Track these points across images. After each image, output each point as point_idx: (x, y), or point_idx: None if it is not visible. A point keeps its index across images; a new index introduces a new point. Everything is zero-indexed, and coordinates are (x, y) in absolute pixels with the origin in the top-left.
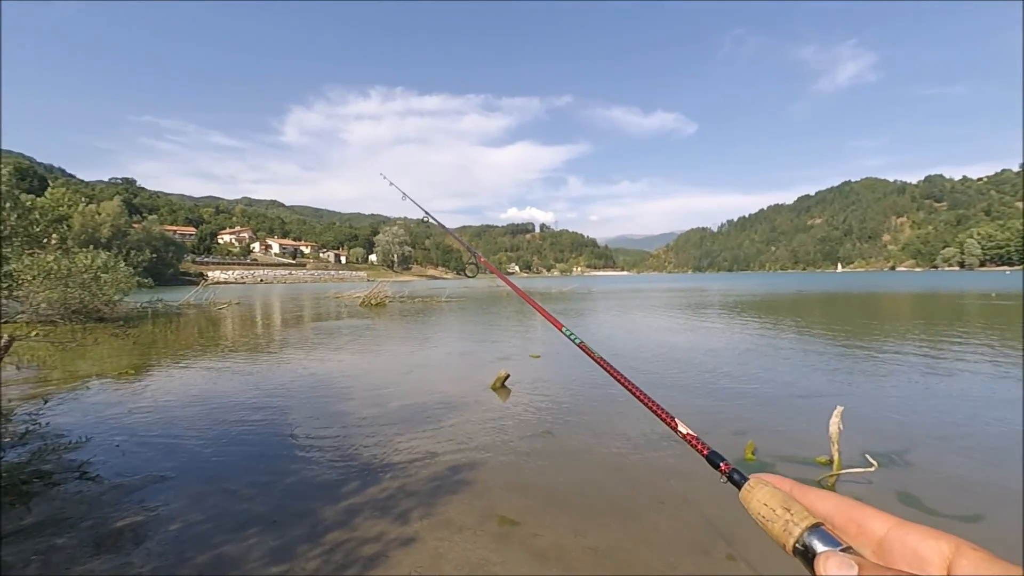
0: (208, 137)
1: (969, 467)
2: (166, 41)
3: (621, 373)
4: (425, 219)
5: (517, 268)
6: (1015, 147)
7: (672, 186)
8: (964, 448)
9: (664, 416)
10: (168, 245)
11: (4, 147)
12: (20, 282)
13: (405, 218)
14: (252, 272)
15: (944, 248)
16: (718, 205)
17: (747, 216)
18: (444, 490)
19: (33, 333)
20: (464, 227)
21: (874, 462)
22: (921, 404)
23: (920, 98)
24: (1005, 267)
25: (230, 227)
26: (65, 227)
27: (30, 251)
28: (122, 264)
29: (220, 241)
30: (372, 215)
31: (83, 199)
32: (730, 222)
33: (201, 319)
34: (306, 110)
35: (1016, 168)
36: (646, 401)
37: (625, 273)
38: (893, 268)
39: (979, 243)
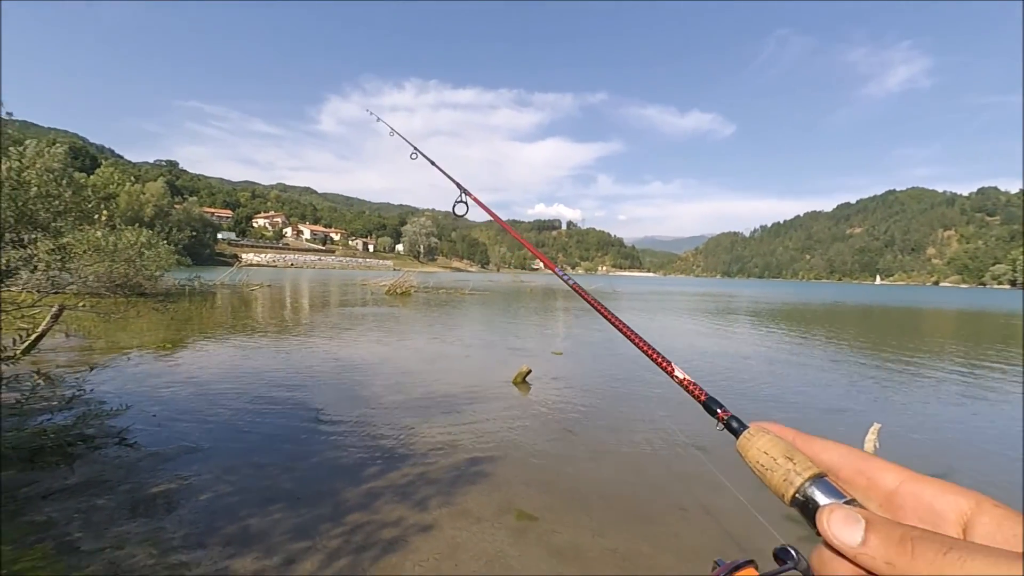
0: (250, 124)
1: (1007, 496)
2: (216, 33)
3: (617, 317)
4: (414, 156)
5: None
6: None
7: (705, 188)
8: (1003, 477)
9: (661, 361)
10: (207, 226)
11: (61, 127)
12: (72, 255)
13: (433, 210)
14: (283, 256)
15: (994, 264)
16: (752, 210)
17: (782, 222)
18: (463, 481)
19: (80, 304)
20: (490, 222)
21: None
22: (959, 427)
23: (977, 107)
24: None
25: (265, 211)
26: (113, 205)
27: (81, 226)
28: (163, 242)
29: (255, 224)
30: (401, 205)
31: (130, 179)
32: (763, 228)
33: (234, 299)
34: (343, 100)
35: None
36: (641, 344)
37: (651, 275)
38: (937, 283)
39: None
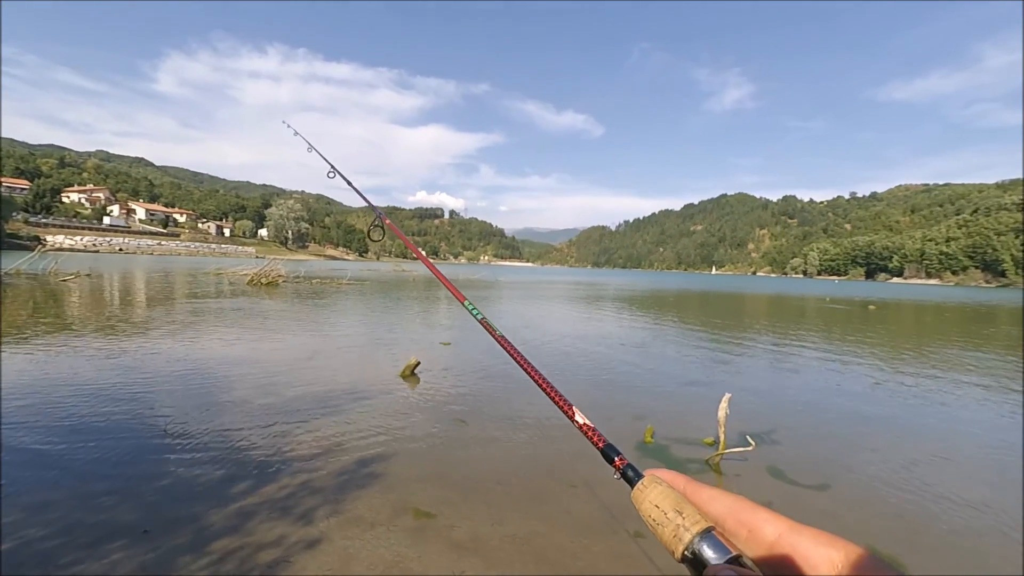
0: (54, 73)
1: (823, 445)
2: None
3: (522, 355)
4: (330, 174)
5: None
6: (852, 176)
7: (579, 184)
8: (820, 429)
9: (562, 404)
10: None
11: None
12: None
13: (303, 192)
14: (108, 239)
15: (792, 258)
16: (617, 206)
17: (641, 218)
18: (353, 485)
19: None
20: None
21: (752, 442)
22: (786, 391)
23: (787, 128)
24: (835, 276)
25: (80, 184)
26: None
27: None
28: None
29: (65, 200)
30: (264, 185)
31: None
32: (627, 222)
33: (38, 292)
34: (188, 58)
35: (847, 195)
36: (545, 387)
37: (530, 265)
38: (755, 272)
39: (818, 256)
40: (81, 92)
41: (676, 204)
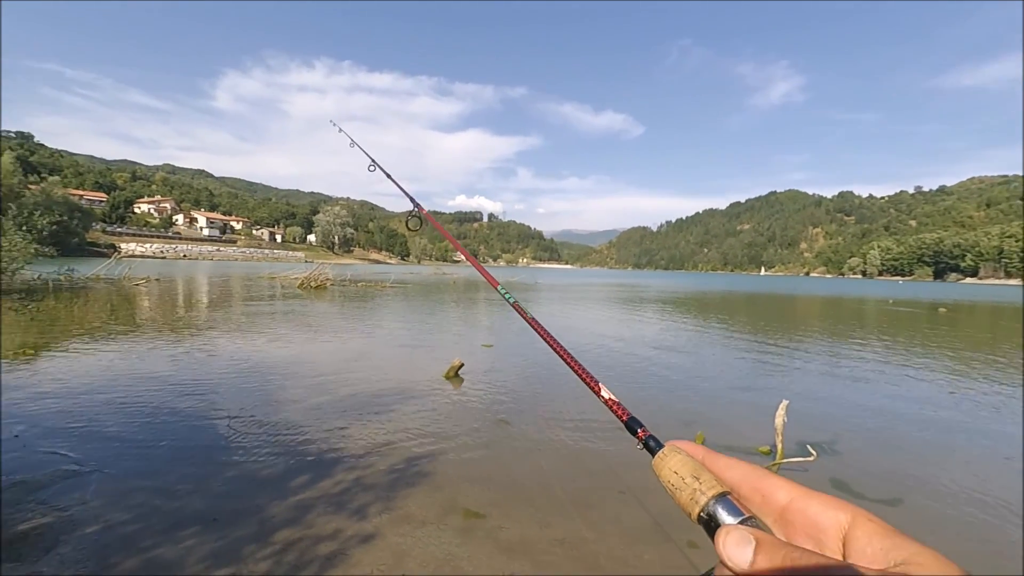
0: (127, 95)
1: (890, 457)
2: None
3: (552, 335)
4: (371, 167)
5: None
6: (913, 171)
7: (617, 185)
8: (886, 440)
9: (588, 380)
10: (73, 211)
11: None
12: None
13: (348, 198)
14: (174, 247)
15: (850, 258)
16: (658, 206)
17: (684, 218)
18: (403, 483)
19: None
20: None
21: (813, 452)
22: (846, 399)
23: (837, 122)
24: (898, 277)
25: (149, 196)
26: None
27: None
28: (13, 231)
29: (137, 210)
30: (312, 193)
31: None
32: (668, 223)
33: (114, 295)
34: (243, 76)
35: (911, 190)
36: (572, 364)
37: (569, 267)
38: (807, 273)
39: (879, 255)
40: (149, 111)
41: (720, 203)
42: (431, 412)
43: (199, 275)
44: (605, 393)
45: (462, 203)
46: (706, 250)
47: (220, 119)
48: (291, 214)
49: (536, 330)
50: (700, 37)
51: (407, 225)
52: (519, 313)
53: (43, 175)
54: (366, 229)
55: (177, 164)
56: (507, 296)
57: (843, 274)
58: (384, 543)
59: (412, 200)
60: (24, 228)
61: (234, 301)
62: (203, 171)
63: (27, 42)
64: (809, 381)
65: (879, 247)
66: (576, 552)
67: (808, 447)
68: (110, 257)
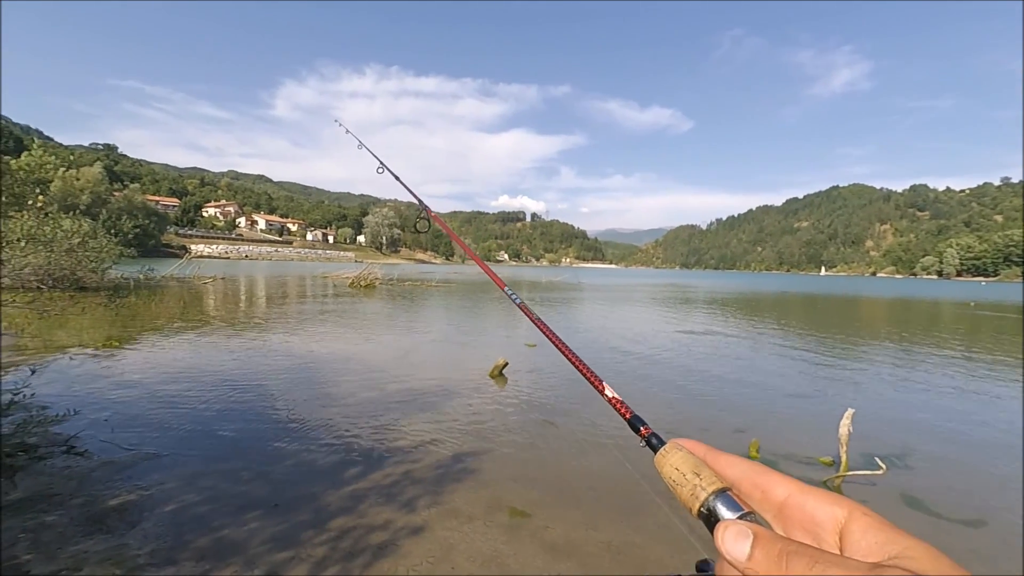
0: (196, 107)
1: (971, 475)
2: (157, 9)
3: (556, 334)
4: (379, 170)
5: (506, 256)
6: (997, 161)
7: (664, 182)
8: (966, 453)
9: (592, 378)
10: (150, 215)
11: None
12: (4, 244)
13: (396, 200)
14: (237, 247)
15: (924, 257)
16: (707, 204)
17: (736, 216)
18: (449, 478)
19: (12, 300)
20: (455, 212)
21: (883, 465)
22: (918, 410)
23: (907, 110)
24: (981, 278)
25: (215, 200)
26: (46, 190)
27: (12, 214)
28: (102, 234)
29: (205, 214)
30: (362, 195)
31: (63, 163)
32: (719, 221)
33: (185, 293)
34: (298, 85)
35: (997, 182)
36: (577, 364)
37: (613, 266)
38: (874, 274)
39: (958, 253)
40: (215, 121)
41: (774, 199)
42: (476, 410)
43: (259, 274)
44: (609, 392)
45: (505, 203)
46: (760, 249)
47: (278, 127)
48: (342, 216)
49: (542, 330)
50: (753, 26)
51: (415, 226)
52: (525, 313)
53: (125, 183)
54: (412, 229)
55: (240, 170)
56: (514, 297)
57: (915, 274)
58: (432, 536)
59: (419, 201)
60: (112, 231)
61: (291, 299)
62: (263, 176)
63: (112, 61)
64: (876, 390)
65: (958, 245)
66: (624, 556)
67: (876, 459)
68: (181, 258)
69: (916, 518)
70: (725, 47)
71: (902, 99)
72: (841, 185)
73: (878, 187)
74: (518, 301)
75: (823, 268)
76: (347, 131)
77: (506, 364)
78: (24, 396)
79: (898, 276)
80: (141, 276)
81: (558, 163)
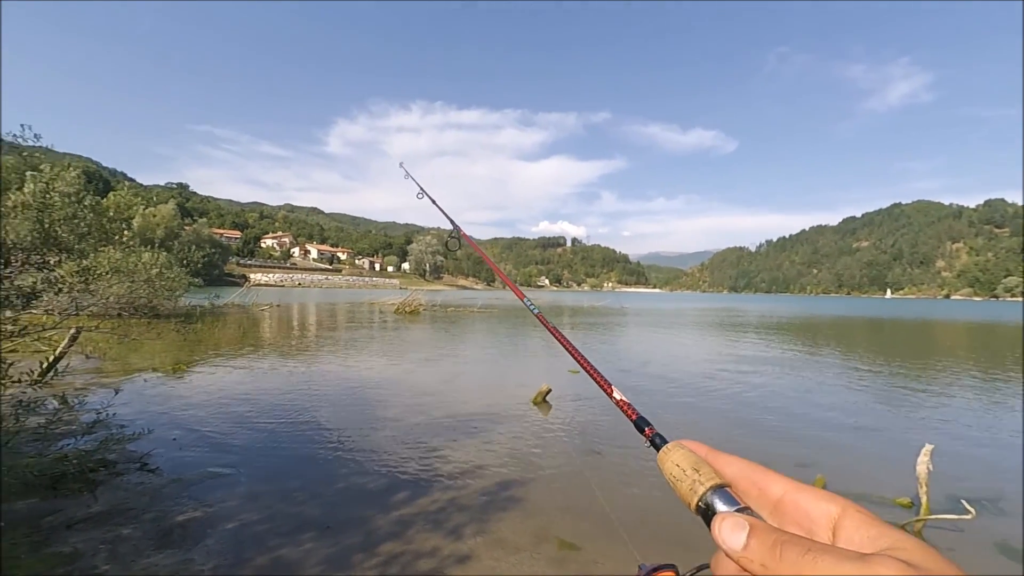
0: (258, 147)
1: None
2: (228, 57)
3: (569, 341)
4: (419, 195)
5: (547, 282)
6: None
7: (709, 204)
8: None
9: (601, 382)
10: (216, 247)
11: (74, 151)
12: (95, 276)
13: (439, 228)
14: (291, 276)
15: (1007, 277)
16: (756, 225)
17: (787, 237)
18: (495, 506)
19: (97, 325)
20: (495, 239)
21: (971, 509)
22: (1011, 447)
23: (978, 119)
24: None
25: (272, 232)
26: (130, 227)
27: (102, 248)
28: (178, 265)
29: (263, 245)
30: (406, 224)
31: (142, 202)
32: (769, 242)
33: (245, 320)
34: (350, 123)
35: None
36: (586, 366)
37: (657, 291)
38: (948, 296)
39: None
40: (275, 158)
41: (830, 219)
42: (520, 437)
43: (310, 301)
44: (617, 395)
45: (545, 229)
46: (815, 271)
47: (331, 162)
48: (388, 244)
49: (555, 335)
50: (800, 43)
51: (447, 246)
52: (541, 322)
53: (195, 218)
54: (454, 257)
55: (295, 203)
56: (532, 308)
57: (997, 296)
58: (479, 565)
59: (452, 222)
60: (183, 262)
61: (340, 326)
62: (315, 208)
63: (190, 104)
64: (957, 424)
65: None
66: None
67: (963, 503)
68: (242, 286)
69: (1013, 569)
70: (771, 66)
71: (973, 109)
72: (904, 202)
73: (946, 203)
74: (536, 311)
75: (888, 290)
76: (400, 165)
77: (549, 391)
78: (107, 416)
79: (976, 298)
80: (208, 304)
81: (599, 188)
